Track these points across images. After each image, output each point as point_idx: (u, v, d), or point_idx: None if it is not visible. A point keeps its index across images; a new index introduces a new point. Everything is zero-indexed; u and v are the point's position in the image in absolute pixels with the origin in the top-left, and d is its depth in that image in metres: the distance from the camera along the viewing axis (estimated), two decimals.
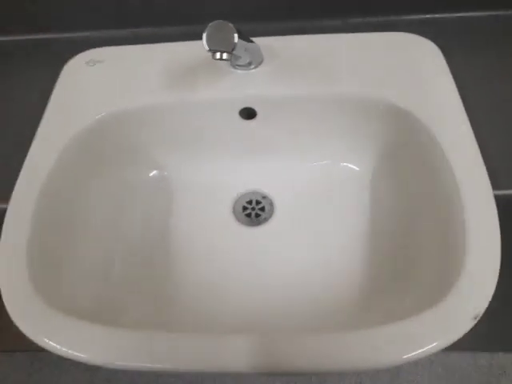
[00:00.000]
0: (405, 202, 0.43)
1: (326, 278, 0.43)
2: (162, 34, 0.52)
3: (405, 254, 0.40)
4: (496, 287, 0.56)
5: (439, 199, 0.38)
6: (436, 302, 0.31)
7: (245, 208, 0.52)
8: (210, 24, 0.35)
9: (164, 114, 0.47)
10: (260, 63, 0.48)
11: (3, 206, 0.40)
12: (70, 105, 0.46)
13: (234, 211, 0.52)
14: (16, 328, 0.70)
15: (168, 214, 0.50)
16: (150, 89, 0.47)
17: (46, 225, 0.39)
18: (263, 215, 0.51)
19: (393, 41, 0.49)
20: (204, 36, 0.35)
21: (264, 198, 0.52)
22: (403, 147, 0.44)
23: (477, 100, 0.44)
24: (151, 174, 0.51)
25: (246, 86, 0.47)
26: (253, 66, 0.47)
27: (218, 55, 0.35)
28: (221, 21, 0.35)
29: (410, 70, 0.46)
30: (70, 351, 0.32)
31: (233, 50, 0.35)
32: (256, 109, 0.48)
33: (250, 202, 0.53)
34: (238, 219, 0.51)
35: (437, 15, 0.54)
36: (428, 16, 0.54)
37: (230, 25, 0.35)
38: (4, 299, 0.35)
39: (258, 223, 0.51)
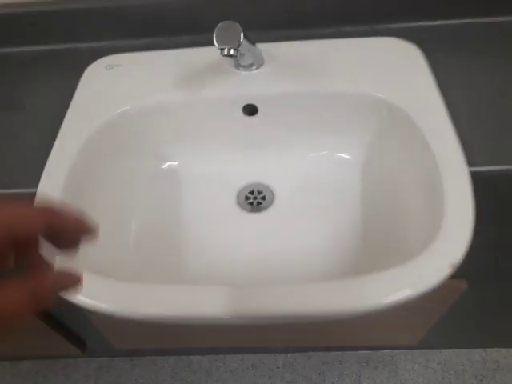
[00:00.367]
0: (392, 181, 0.48)
1: (323, 250, 0.48)
2: (174, 42, 0.58)
3: (393, 223, 0.45)
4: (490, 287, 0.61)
5: (421, 175, 0.43)
6: (417, 256, 0.36)
7: (247, 197, 0.57)
8: (219, 25, 0.41)
9: (175, 110, 0.53)
10: (261, 65, 0.54)
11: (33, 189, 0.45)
12: (92, 102, 0.52)
13: (238, 200, 0.57)
14: (25, 337, 0.73)
15: (178, 201, 0.55)
16: (162, 88, 0.52)
17: (71, 199, 0.44)
18: (264, 203, 0.56)
19: (380, 45, 0.55)
20: (214, 35, 0.41)
21: (265, 188, 0.57)
22: (389, 135, 0.50)
23: (454, 94, 0.50)
24: (164, 166, 0.56)
25: (248, 85, 0.52)
26: (254, 67, 0.53)
27: (225, 51, 0.41)
28: (229, 21, 0.41)
29: (395, 69, 0.52)
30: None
31: (239, 46, 0.41)
32: (257, 105, 0.53)
33: (252, 192, 0.58)
34: (242, 207, 0.56)
35: (421, 23, 0.60)
36: (412, 24, 0.61)
37: (237, 25, 0.41)
38: None
39: (260, 210, 0.56)
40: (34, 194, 0.45)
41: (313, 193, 0.54)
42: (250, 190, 0.57)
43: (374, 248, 0.46)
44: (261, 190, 0.57)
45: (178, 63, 0.55)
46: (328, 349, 1.06)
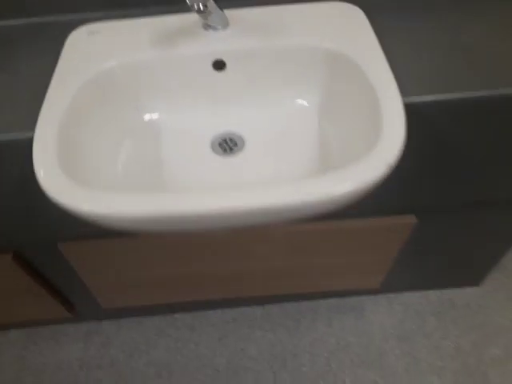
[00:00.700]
0: (342, 114, 0.57)
1: (287, 173, 0.56)
2: (148, 12, 0.64)
3: (344, 144, 0.54)
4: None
5: (365, 106, 0.52)
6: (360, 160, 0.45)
7: (220, 144, 0.65)
8: None
9: (152, 67, 0.60)
10: (226, 26, 0.61)
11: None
12: (77, 62, 0.58)
13: (212, 146, 0.64)
14: (13, 303, 0.80)
15: (158, 146, 0.62)
16: (140, 49, 0.59)
17: (67, 138, 0.50)
18: (236, 149, 0.64)
19: (328, 8, 0.63)
20: None
21: (236, 135, 0.65)
22: (338, 79, 0.58)
23: (391, 43, 0.59)
24: (145, 117, 0.63)
25: (216, 43, 0.60)
26: (220, 28, 0.60)
27: (195, 6, 0.48)
28: None
29: (341, 26, 0.60)
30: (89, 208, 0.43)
31: (207, 0, 0.48)
32: (225, 61, 0.61)
33: (224, 140, 0.65)
34: (215, 151, 0.64)
35: None
36: None
37: None
38: (41, 182, 0.46)
39: (232, 154, 0.64)
40: (31, 139, 0.51)
41: (278, 135, 0.62)
42: (223, 138, 0.65)
43: (329, 165, 0.55)
44: (232, 137, 0.65)
45: (152, 28, 0.62)
46: (301, 298, 1.15)
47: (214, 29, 0.60)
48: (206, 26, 0.60)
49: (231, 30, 0.61)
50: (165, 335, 1.12)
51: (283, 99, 0.63)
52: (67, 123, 0.52)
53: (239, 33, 0.61)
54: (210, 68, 0.61)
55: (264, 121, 0.64)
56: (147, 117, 0.63)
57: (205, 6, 0.49)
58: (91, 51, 0.59)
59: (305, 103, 0.63)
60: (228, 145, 0.65)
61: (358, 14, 0.62)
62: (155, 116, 0.63)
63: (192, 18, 0.60)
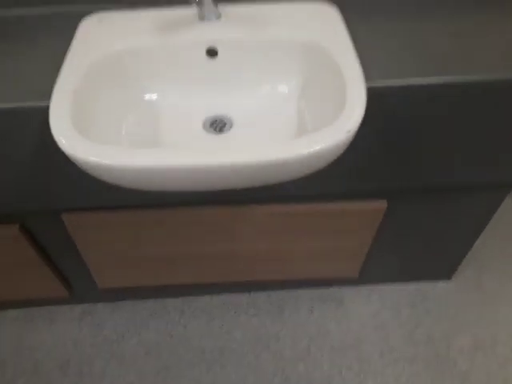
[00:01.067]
0: (316, 96, 0.67)
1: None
2: (151, 6, 0.75)
3: (315, 117, 0.64)
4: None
5: (334, 87, 0.62)
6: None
7: (211, 123, 0.74)
8: None
9: (152, 51, 0.70)
10: (219, 18, 0.71)
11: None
12: (88, 44, 0.67)
13: (204, 125, 0.74)
14: (14, 277, 0.88)
15: (156, 122, 0.71)
16: (143, 35, 0.69)
17: (79, 106, 0.59)
18: (225, 128, 0.73)
19: (309, 6, 0.74)
20: None
21: (225, 117, 0.74)
22: (314, 66, 0.68)
23: (361, 38, 0.69)
24: (145, 96, 0.72)
25: (210, 32, 0.70)
26: (214, 19, 0.71)
27: None
28: None
29: (319, 22, 0.71)
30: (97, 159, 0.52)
31: None
32: (217, 48, 0.71)
33: (215, 121, 0.75)
34: (207, 130, 0.73)
35: None
36: None
37: None
38: (56, 138, 0.54)
39: (221, 132, 0.73)
40: (47, 107, 0.60)
41: (261, 116, 0.72)
42: (214, 119, 0.74)
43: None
44: (222, 119, 0.74)
45: (155, 19, 0.72)
46: (285, 287, 1.23)
47: (208, 19, 0.70)
48: (201, 18, 0.70)
49: (224, 22, 0.71)
50: (156, 318, 1.18)
51: (266, 85, 0.73)
52: (79, 94, 0.61)
53: (231, 25, 0.71)
54: (204, 55, 0.71)
55: (250, 103, 0.74)
56: (147, 96, 0.72)
57: None
58: (100, 35, 0.69)
59: (285, 88, 0.73)
60: (218, 124, 0.74)
61: (333, 12, 0.73)
62: (154, 96, 0.73)
63: (190, 11, 0.71)
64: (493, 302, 1.20)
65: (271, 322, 1.18)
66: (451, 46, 0.69)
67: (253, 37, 0.70)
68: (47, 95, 0.61)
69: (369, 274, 1.19)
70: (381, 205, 0.90)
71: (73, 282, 1.10)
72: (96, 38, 0.69)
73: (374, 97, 0.63)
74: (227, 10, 0.73)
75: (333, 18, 0.72)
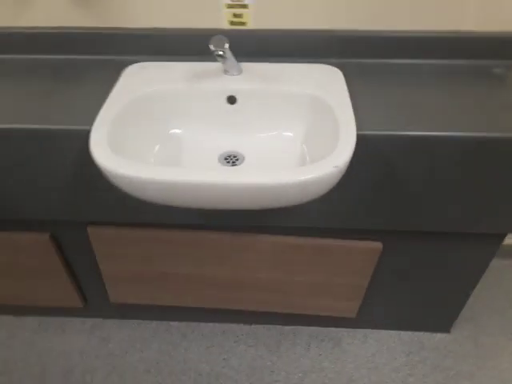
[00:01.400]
0: (315, 139, 0.78)
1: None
2: (184, 59, 0.89)
3: (313, 155, 0.73)
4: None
5: (331, 132, 0.72)
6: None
7: (226, 159, 0.85)
8: (213, 37, 0.72)
9: (181, 95, 0.82)
10: (240, 73, 0.84)
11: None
12: (130, 85, 0.81)
13: (219, 159, 0.85)
14: (35, 283, 1.00)
15: (178, 152, 0.83)
16: (175, 82, 0.82)
17: (115, 133, 0.71)
18: (237, 163, 0.84)
19: (318, 68, 0.87)
20: (210, 42, 0.72)
21: (238, 153, 0.86)
22: (316, 116, 0.80)
23: (360, 98, 0.81)
24: (171, 131, 0.85)
25: (231, 83, 0.83)
26: (236, 74, 0.84)
27: (216, 50, 0.71)
28: (219, 35, 0.72)
29: (324, 81, 0.83)
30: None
31: (226, 45, 0.71)
32: (237, 97, 0.83)
33: (229, 156, 0.86)
34: (221, 163, 0.84)
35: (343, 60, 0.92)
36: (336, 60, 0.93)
37: (224, 37, 0.72)
38: (96, 158, 0.66)
39: (234, 165, 0.84)
40: (88, 131, 0.73)
41: (269, 154, 0.83)
42: (228, 154, 0.86)
43: None
44: (235, 155, 0.86)
45: (187, 69, 0.86)
46: (284, 323, 1.28)
47: (231, 74, 0.83)
48: (225, 72, 0.84)
49: (243, 76, 0.84)
50: (159, 338, 1.25)
51: (275, 130, 0.85)
52: (116, 123, 0.73)
53: (249, 78, 0.84)
54: (225, 101, 0.84)
55: (260, 144, 0.85)
56: (172, 131, 0.85)
57: (223, 52, 0.72)
58: (140, 79, 0.83)
59: (291, 133, 0.84)
60: (231, 159, 0.85)
61: (337, 74, 0.85)
62: (178, 131, 0.85)
63: (216, 65, 0.84)
64: (489, 356, 1.22)
65: (268, 353, 1.22)
66: (440, 108, 0.79)
67: (267, 89, 0.82)
68: (90, 122, 0.74)
69: (367, 317, 1.23)
70: (376, 246, 0.97)
71: (88, 294, 1.19)
72: (136, 81, 0.83)
73: (366, 143, 0.73)
74: (248, 66, 0.86)
75: (336, 78, 0.84)
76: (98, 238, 0.97)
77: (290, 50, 0.90)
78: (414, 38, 0.88)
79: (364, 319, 1.25)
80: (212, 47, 0.73)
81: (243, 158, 0.85)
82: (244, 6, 0.84)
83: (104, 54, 0.91)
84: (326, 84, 0.82)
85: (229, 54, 0.75)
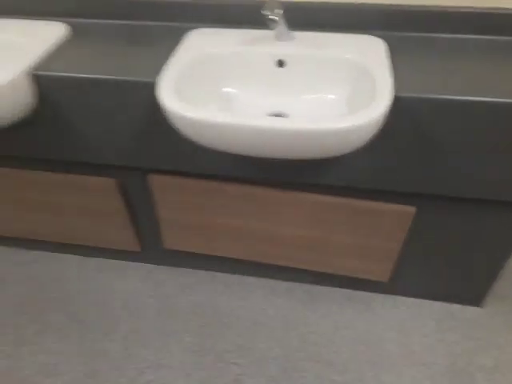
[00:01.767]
0: (356, 99, 0.85)
1: None
2: (240, 26, 0.99)
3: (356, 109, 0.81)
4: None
5: (368, 94, 0.79)
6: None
7: (272, 115, 0.94)
8: (266, 3, 0.81)
9: (235, 57, 0.92)
10: (291, 40, 0.93)
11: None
12: (191, 47, 0.92)
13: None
14: (100, 227, 1.13)
15: (229, 109, 0.93)
16: (231, 45, 0.93)
17: (178, 86, 0.83)
18: None
19: (363, 38, 0.93)
20: (264, 5, 0.81)
21: (283, 113, 0.94)
22: (357, 80, 0.87)
23: (400, 66, 0.86)
24: (224, 89, 0.95)
25: (281, 48, 0.91)
26: (286, 40, 0.92)
27: (266, 13, 0.80)
28: (272, 1, 0.80)
29: (368, 48, 0.89)
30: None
31: (279, 10, 0.80)
32: (285, 61, 0.92)
33: (275, 114, 0.95)
34: None
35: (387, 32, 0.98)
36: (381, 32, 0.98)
37: (277, 3, 0.80)
38: (164, 103, 0.78)
39: None
40: (155, 82, 0.84)
41: (313, 114, 0.91)
42: (275, 113, 0.95)
43: None
44: (281, 113, 0.95)
45: (242, 35, 0.95)
46: (320, 283, 1.37)
47: (282, 40, 0.92)
48: (277, 38, 0.92)
49: (293, 42, 0.92)
50: (205, 286, 1.39)
51: (319, 93, 0.93)
52: (179, 77, 0.85)
53: (299, 44, 0.92)
54: (274, 65, 0.93)
55: (304, 104, 0.93)
56: (225, 89, 0.95)
57: (275, 17, 0.81)
58: (199, 42, 0.94)
59: (333, 96, 0.91)
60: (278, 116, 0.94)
61: (380, 44, 0.91)
62: (231, 90, 0.95)
63: (268, 33, 0.93)
64: None
65: (302, 308, 1.32)
66: (479, 77, 0.83)
67: (314, 55, 0.90)
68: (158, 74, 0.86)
69: (398, 283, 1.29)
70: (410, 210, 1.03)
71: (145, 239, 1.34)
72: (195, 44, 0.94)
73: (403, 105, 0.80)
74: (298, 34, 0.94)
75: (379, 48, 0.90)
76: (158, 186, 1.10)
77: (337, 21, 0.97)
78: (458, 13, 0.92)
79: (395, 285, 1.30)
80: (265, 12, 0.81)
81: (288, 117, 0.93)
82: None
83: (168, 21, 1.03)
84: (368, 52, 0.89)
85: (281, 20, 0.84)
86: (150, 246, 1.36)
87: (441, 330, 1.26)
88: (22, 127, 0.99)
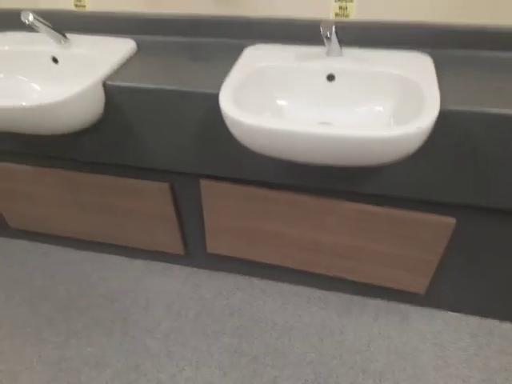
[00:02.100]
0: (403, 111, 0.90)
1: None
2: (293, 43, 1.07)
3: (402, 120, 0.86)
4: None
5: (415, 106, 0.85)
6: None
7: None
8: (322, 21, 0.88)
9: (288, 72, 1.00)
10: (340, 56, 1.00)
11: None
12: (247, 62, 1.00)
13: None
14: (149, 228, 1.20)
15: (284, 117, 1.00)
16: (285, 60, 1.00)
17: (236, 95, 0.90)
18: None
19: (410, 54, 0.99)
20: (320, 26, 0.88)
21: (332, 124, 1.01)
22: (404, 94, 0.92)
23: (446, 81, 0.92)
24: (277, 101, 1.02)
25: (332, 63, 0.98)
26: (336, 56, 0.99)
27: (322, 31, 0.87)
28: (327, 20, 0.87)
29: (415, 65, 0.95)
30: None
31: (333, 28, 0.87)
32: (335, 75, 0.98)
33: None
34: None
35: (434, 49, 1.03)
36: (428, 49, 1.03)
37: (332, 22, 0.87)
38: (224, 107, 0.85)
39: None
40: (217, 94, 0.92)
41: (360, 125, 0.97)
42: (323, 123, 1.01)
43: None
44: (329, 124, 1.01)
45: (295, 51, 1.03)
46: (354, 293, 1.40)
47: (333, 56, 0.99)
48: (328, 54, 0.99)
49: (343, 58, 0.99)
50: (242, 290, 1.44)
51: (366, 105, 0.98)
52: (237, 89, 0.92)
53: (348, 60, 0.99)
54: (325, 79, 1.00)
55: (352, 116, 0.99)
56: (279, 102, 1.02)
57: (330, 35, 0.88)
58: (255, 58, 1.02)
59: (380, 108, 0.97)
60: None
61: (427, 60, 0.97)
62: (284, 103, 1.02)
63: (319, 49, 1.00)
64: None
65: (337, 317, 1.35)
66: None
67: (362, 69, 0.96)
68: (218, 87, 0.94)
69: (435, 296, 1.31)
70: (450, 221, 1.06)
71: (189, 243, 1.41)
72: (252, 59, 1.02)
73: (450, 118, 0.85)
74: (347, 51, 1.01)
75: (426, 64, 0.95)
76: (207, 191, 1.18)
77: (386, 39, 1.03)
78: (503, 31, 0.97)
79: (432, 298, 1.32)
80: (321, 30, 0.89)
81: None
82: (350, 0, 0.99)
83: (227, 37, 1.12)
84: (416, 67, 0.94)
85: (334, 37, 0.91)
86: (193, 249, 1.42)
87: (477, 344, 1.26)
88: (88, 133, 1.09)
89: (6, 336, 1.34)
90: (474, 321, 1.32)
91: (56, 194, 1.36)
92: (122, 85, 0.98)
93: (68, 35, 1.12)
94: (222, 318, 1.36)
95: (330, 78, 0.99)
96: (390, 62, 0.97)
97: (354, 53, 1.01)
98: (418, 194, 1.01)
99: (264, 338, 1.30)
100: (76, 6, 1.15)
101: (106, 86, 0.99)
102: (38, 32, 1.05)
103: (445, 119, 0.84)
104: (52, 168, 1.29)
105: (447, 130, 0.87)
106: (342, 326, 1.33)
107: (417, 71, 0.93)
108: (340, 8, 1.01)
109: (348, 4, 1.00)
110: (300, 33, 1.05)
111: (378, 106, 0.98)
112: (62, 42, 1.09)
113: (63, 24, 1.16)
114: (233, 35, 1.10)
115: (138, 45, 1.13)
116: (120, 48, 1.08)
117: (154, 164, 1.13)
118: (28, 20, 0.97)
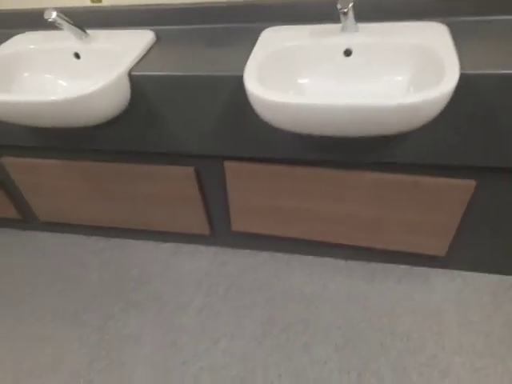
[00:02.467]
0: (423, 76, 0.94)
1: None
2: (309, 22, 1.09)
3: (422, 85, 0.90)
4: None
5: (437, 76, 0.88)
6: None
7: None
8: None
9: (307, 49, 1.02)
10: (356, 31, 1.02)
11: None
12: (267, 42, 1.03)
13: None
14: (174, 211, 1.25)
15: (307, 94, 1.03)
16: (303, 38, 1.03)
17: (260, 74, 0.94)
18: None
19: (427, 24, 1.02)
20: (338, 2, 0.91)
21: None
22: (424, 61, 0.95)
23: (463, 47, 0.94)
24: (299, 80, 1.05)
25: (348, 38, 1.01)
26: (352, 31, 1.02)
27: (340, 7, 0.90)
28: None
29: (431, 33, 0.97)
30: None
31: (350, 4, 0.89)
32: (352, 50, 1.01)
33: None
34: None
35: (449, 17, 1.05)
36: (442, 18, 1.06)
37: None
38: (249, 85, 0.89)
39: None
40: (241, 76, 0.95)
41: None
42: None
43: None
44: None
45: (311, 30, 1.05)
46: (376, 260, 1.45)
47: (349, 31, 1.01)
48: (343, 30, 1.02)
49: (359, 33, 1.02)
50: (267, 264, 1.49)
51: (386, 76, 1.01)
52: (260, 69, 0.95)
53: (364, 34, 1.01)
54: (342, 54, 1.02)
55: (372, 88, 1.02)
56: (300, 80, 1.05)
57: (347, 10, 0.91)
58: (274, 39, 1.04)
59: (399, 78, 1.00)
60: None
61: (443, 29, 0.99)
62: (305, 81, 1.06)
63: (336, 26, 1.03)
64: None
65: (362, 283, 1.41)
66: None
67: (378, 42, 0.99)
68: (242, 69, 0.97)
69: (456, 258, 1.36)
70: (469, 184, 1.10)
71: (214, 223, 1.46)
72: (271, 41, 1.04)
73: (468, 82, 0.88)
74: (363, 25, 1.04)
75: (442, 32, 0.98)
76: (231, 172, 1.22)
77: (399, 10, 1.05)
78: None
79: (453, 260, 1.37)
80: (339, 6, 0.91)
81: None
82: None
83: (243, 22, 1.14)
84: (432, 36, 0.97)
85: (350, 13, 0.93)
86: (218, 229, 1.48)
87: (498, 301, 1.32)
88: (113, 124, 1.13)
89: (49, 322, 1.41)
90: (493, 279, 1.38)
91: (82, 186, 1.40)
92: (148, 74, 1.02)
93: (87, 31, 1.15)
94: (251, 292, 1.42)
95: (347, 53, 1.02)
96: (405, 32, 1.00)
97: (369, 26, 1.03)
98: (437, 160, 1.05)
99: (293, 307, 1.37)
100: (92, 1, 1.17)
101: (131, 77, 1.02)
102: (60, 29, 1.07)
103: (465, 82, 0.87)
104: (77, 161, 1.33)
105: (465, 93, 0.90)
106: (366, 292, 1.38)
107: (433, 39, 0.95)
108: None
109: None
110: (314, 12, 1.08)
111: (396, 76, 1.01)
112: (83, 37, 1.12)
113: (80, 20, 1.18)
114: (248, 19, 1.13)
115: (157, 35, 1.16)
116: (140, 39, 1.11)
117: (179, 149, 1.17)
118: (51, 17, 1.00)
